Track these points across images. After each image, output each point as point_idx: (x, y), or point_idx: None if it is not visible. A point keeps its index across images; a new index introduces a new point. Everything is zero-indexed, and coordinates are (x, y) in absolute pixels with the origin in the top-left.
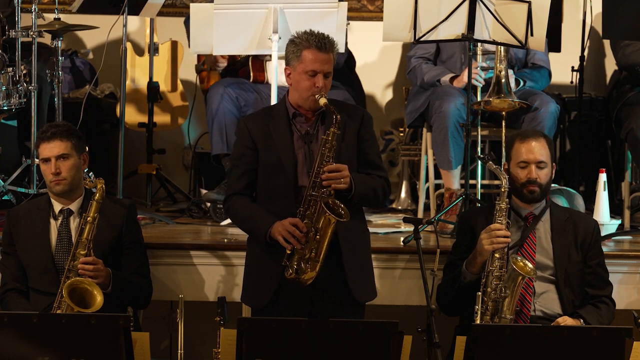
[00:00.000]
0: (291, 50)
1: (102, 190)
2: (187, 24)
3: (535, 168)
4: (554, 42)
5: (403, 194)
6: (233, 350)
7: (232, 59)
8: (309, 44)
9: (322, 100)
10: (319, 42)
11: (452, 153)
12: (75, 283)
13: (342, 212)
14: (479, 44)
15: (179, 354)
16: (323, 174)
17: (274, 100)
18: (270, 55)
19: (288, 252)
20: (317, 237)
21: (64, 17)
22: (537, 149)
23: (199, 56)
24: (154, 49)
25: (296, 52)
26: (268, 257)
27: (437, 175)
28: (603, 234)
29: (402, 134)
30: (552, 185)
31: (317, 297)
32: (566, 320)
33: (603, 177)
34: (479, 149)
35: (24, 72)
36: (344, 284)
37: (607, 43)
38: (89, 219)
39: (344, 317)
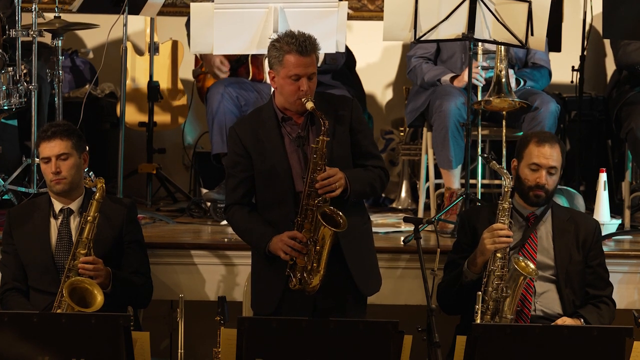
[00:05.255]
0: (273, 55)
1: (102, 190)
2: (188, 26)
3: (545, 173)
4: (554, 41)
5: (403, 194)
6: (233, 350)
7: (232, 63)
8: (290, 48)
9: (309, 105)
10: (300, 46)
11: (453, 152)
12: (76, 282)
13: (341, 220)
14: (480, 43)
15: (179, 353)
16: (317, 182)
17: None
18: None
19: (290, 262)
20: (317, 248)
21: (64, 16)
22: (551, 155)
23: (196, 60)
24: (154, 49)
25: (278, 57)
26: (270, 266)
27: (438, 175)
28: (603, 233)
29: (402, 134)
30: None
31: (321, 295)
32: (565, 322)
33: (603, 176)
34: (479, 149)
35: (24, 71)
36: (348, 280)
37: (607, 43)
38: (89, 218)
39: (347, 311)
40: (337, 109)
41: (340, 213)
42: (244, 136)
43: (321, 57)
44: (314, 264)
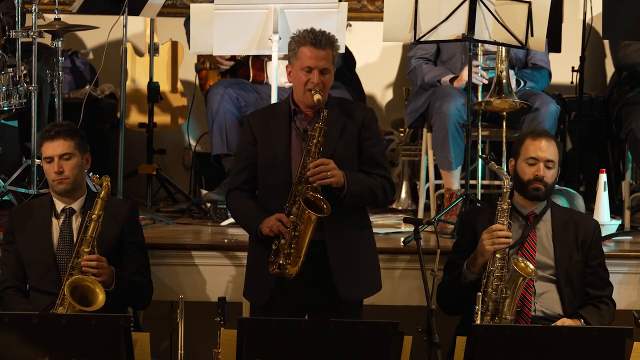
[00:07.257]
0: (291, 48)
1: (108, 188)
2: (187, 25)
3: (543, 166)
4: (554, 42)
5: (403, 194)
6: (233, 351)
7: (233, 59)
8: (305, 40)
9: (317, 97)
10: (315, 38)
11: (453, 153)
12: (78, 281)
13: (324, 206)
14: (480, 44)
15: (179, 354)
16: (309, 170)
17: (274, 101)
18: (270, 56)
19: (274, 247)
20: (296, 233)
21: (64, 18)
22: (547, 148)
23: (198, 55)
24: (154, 49)
25: (294, 49)
26: (265, 255)
27: (438, 176)
28: (603, 234)
29: (402, 134)
30: None
31: (311, 297)
32: (565, 323)
33: (603, 177)
34: (479, 149)
35: (24, 72)
36: (331, 283)
37: (607, 43)
38: (93, 216)
39: (336, 316)
40: (351, 113)
41: (324, 199)
42: (254, 125)
43: None
44: (292, 249)
